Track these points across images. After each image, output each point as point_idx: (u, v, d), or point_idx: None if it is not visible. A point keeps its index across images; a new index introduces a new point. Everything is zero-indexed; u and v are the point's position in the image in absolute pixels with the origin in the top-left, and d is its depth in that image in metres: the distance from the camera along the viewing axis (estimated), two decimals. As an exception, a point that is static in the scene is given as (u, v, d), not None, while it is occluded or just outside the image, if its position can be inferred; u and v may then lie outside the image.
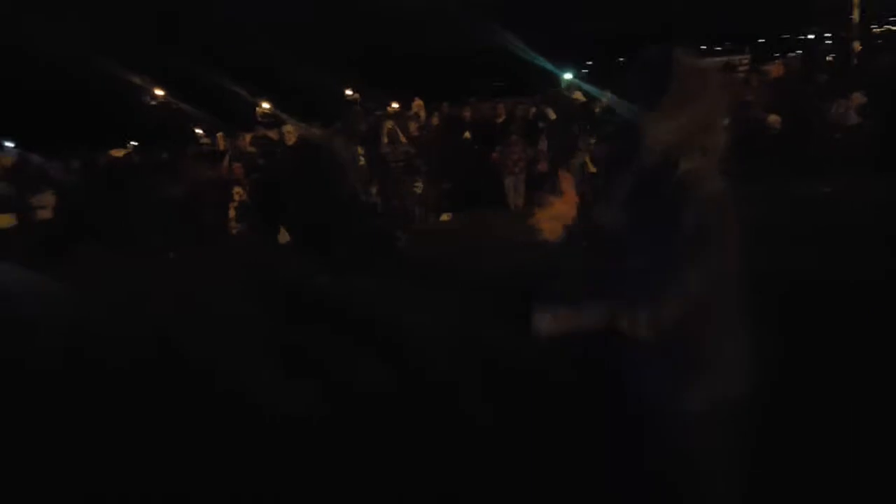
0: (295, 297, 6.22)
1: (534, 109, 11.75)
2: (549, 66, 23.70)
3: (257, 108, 19.38)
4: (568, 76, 24.56)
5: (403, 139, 9.64)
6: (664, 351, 1.90)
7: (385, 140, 9.62)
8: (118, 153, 12.77)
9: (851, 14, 27.10)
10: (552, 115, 10.23)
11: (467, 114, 11.71)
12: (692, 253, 1.79)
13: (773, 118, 9.54)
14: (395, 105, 16.78)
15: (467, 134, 10.84)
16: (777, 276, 5.33)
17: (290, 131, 9.53)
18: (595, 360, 2.08)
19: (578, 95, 11.72)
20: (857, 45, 21.33)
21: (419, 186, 9.68)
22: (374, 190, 9.20)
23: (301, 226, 7.93)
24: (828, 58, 14.69)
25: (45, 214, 9.75)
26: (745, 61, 17.55)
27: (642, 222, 1.93)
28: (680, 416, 1.91)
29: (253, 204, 9.24)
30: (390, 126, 9.85)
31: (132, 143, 20.73)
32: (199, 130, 21.25)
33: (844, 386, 3.57)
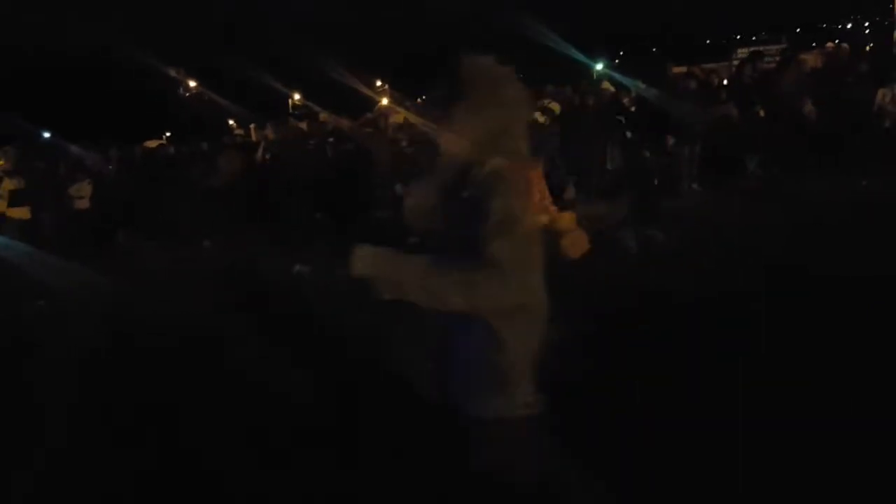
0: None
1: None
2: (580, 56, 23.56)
3: (290, 100, 19.57)
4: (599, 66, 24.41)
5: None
6: (470, 357, 1.93)
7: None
8: (152, 144, 12.93)
9: (892, 3, 26.47)
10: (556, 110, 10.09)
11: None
12: (498, 246, 1.80)
13: (809, 108, 9.36)
14: (424, 98, 16.76)
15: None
16: (795, 271, 5.36)
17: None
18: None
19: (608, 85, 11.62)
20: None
21: None
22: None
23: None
24: (867, 47, 14.39)
25: (83, 205, 9.93)
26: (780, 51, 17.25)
27: (453, 223, 1.96)
28: (487, 422, 1.93)
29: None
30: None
31: (166, 133, 21.04)
32: (231, 122, 21.50)
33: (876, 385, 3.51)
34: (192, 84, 33.45)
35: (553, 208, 4.37)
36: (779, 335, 4.23)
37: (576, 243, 4.38)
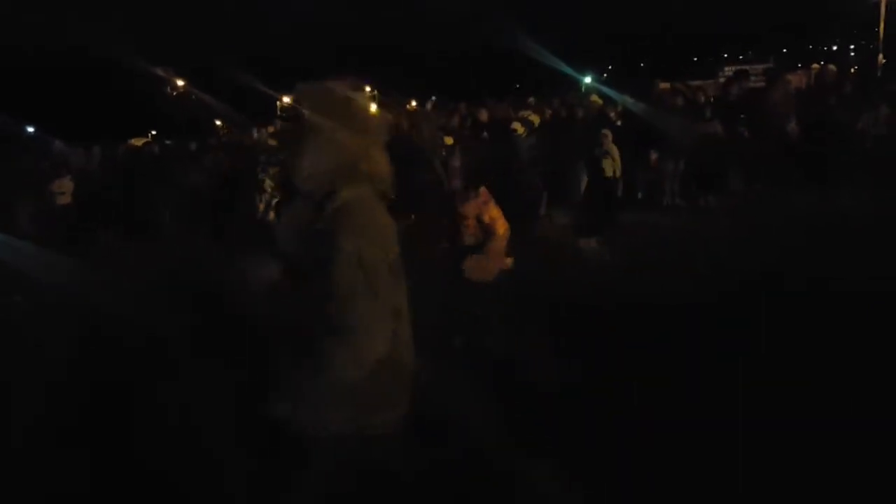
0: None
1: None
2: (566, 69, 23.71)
3: (278, 102, 19.52)
4: (587, 80, 24.59)
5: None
6: (310, 371, 1.91)
7: None
8: (138, 142, 12.85)
9: (877, 27, 26.98)
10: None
11: (485, 115, 11.69)
12: (344, 277, 1.80)
13: (793, 127, 9.47)
14: (413, 103, 16.82)
15: (486, 134, 10.81)
16: (765, 285, 5.45)
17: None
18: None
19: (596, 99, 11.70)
20: (881, 58, 21.23)
21: None
22: None
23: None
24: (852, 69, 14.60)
25: (64, 200, 9.83)
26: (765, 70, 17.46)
27: (309, 249, 1.94)
28: (331, 439, 1.93)
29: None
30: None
31: (152, 132, 20.90)
32: (218, 122, 21.41)
33: (846, 390, 3.55)
34: (180, 83, 33.32)
35: (500, 224, 4.37)
36: (736, 346, 4.30)
37: (477, 267, 4.42)
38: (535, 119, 9.82)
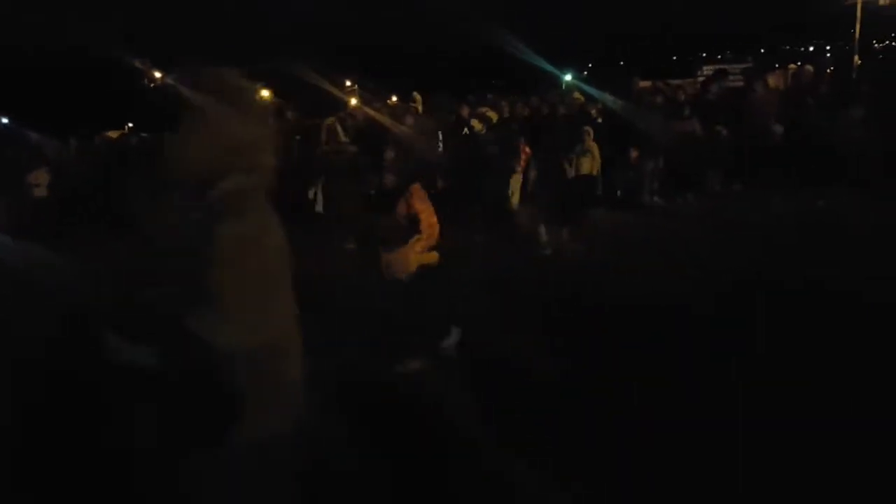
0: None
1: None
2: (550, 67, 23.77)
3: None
4: (568, 77, 24.67)
5: (343, 138, 9.46)
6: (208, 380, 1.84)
7: (323, 139, 9.44)
8: (114, 134, 12.69)
9: (853, 29, 27.33)
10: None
11: (466, 111, 11.68)
12: (223, 276, 1.73)
13: (777, 128, 9.57)
14: (394, 98, 16.76)
15: (466, 131, 10.80)
16: (748, 283, 5.56)
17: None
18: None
19: (578, 96, 11.74)
20: (857, 59, 21.46)
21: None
22: (312, 192, 9.04)
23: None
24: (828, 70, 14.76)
25: (41, 192, 9.70)
26: (744, 70, 17.62)
27: (183, 241, 1.87)
28: (228, 448, 1.85)
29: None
30: (331, 122, 9.70)
31: (129, 124, 20.64)
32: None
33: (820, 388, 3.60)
34: (158, 75, 32.92)
35: (424, 220, 4.39)
36: (712, 344, 4.37)
37: (394, 264, 4.45)
38: (493, 116, 9.83)
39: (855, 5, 27.09)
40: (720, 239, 7.41)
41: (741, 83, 12.01)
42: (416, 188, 4.55)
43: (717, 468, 3.04)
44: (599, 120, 10.53)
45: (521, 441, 3.33)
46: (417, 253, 4.43)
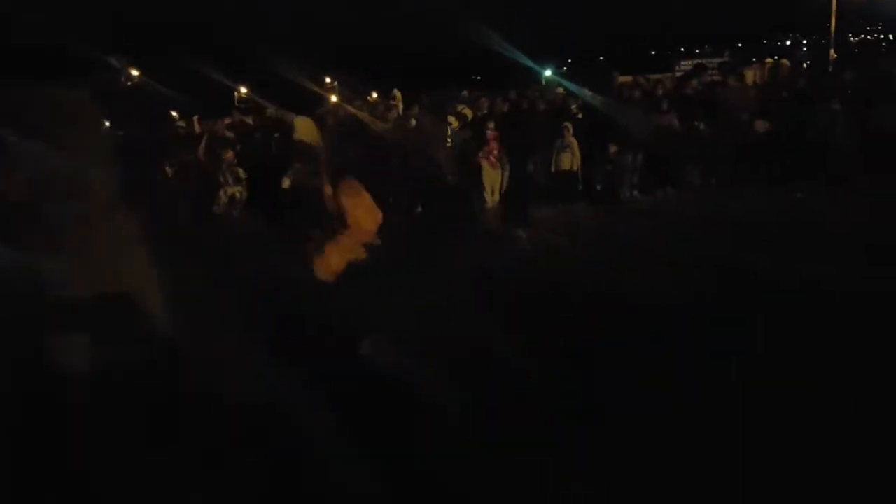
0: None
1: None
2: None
3: (235, 93, 19.23)
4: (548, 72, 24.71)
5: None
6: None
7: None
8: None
9: (828, 23, 27.59)
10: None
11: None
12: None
13: (760, 123, 9.63)
14: (374, 95, 16.69)
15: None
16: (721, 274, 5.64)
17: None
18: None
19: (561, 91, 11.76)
20: (832, 53, 21.72)
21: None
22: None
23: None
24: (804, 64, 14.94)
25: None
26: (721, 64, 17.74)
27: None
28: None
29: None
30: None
31: (105, 123, 20.34)
32: (174, 113, 20.94)
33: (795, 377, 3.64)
34: (134, 73, 32.55)
35: (353, 216, 4.37)
36: (688, 337, 4.39)
37: (323, 259, 4.43)
38: (468, 113, 9.83)
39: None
40: (699, 233, 7.48)
41: (719, 78, 12.09)
42: (347, 184, 4.50)
43: (678, 460, 3.07)
44: (580, 115, 10.56)
45: (506, 438, 3.34)
46: (342, 250, 4.39)
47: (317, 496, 3.09)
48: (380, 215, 4.42)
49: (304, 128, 9.47)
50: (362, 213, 4.38)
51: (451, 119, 9.50)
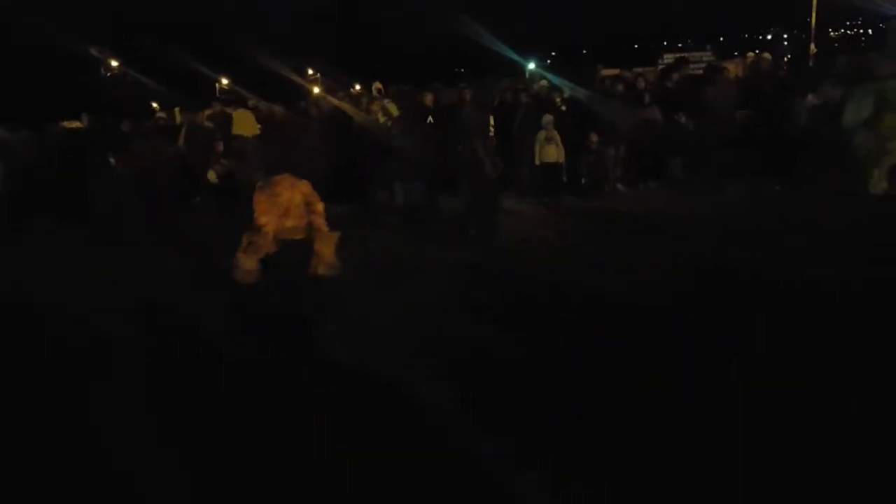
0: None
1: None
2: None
3: (217, 85, 19.09)
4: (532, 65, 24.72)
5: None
6: None
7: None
8: (71, 125, 12.35)
9: (808, 17, 27.84)
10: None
11: (429, 99, 11.63)
12: None
13: (742, 114, 9.67)
14: (357, 87, 16.63)
15: (430, 119, 10.75)
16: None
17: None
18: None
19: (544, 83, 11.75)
20: (812, 47, 21.91)
21: None
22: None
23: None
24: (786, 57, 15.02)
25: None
26: (705, 58, 17.83)
27: None
28: None
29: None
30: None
31: (86, 115, 20.12)
32: (155, 104, 20.79)
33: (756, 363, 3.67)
34: (115, 64, 32.19)
35: (264, 219, 4.38)
36: (669, 329, 4.45)
37: (239, 263, 4.43)
38: (393, 109, 9.80)
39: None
40: (682, 226, 7.55)
41: (700, 71, 12.13)
42: (260, 185, 4.49)
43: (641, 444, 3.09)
44: (563, 108, 10.56)
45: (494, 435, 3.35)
46: (244, 252, 4.38)
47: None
48: (289, 220, 4.39)
49: (243, 122, 9.48)
50: (263, 216, 4.36)
51: (379, 115, 9.51)
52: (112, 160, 9.77)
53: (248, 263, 4.32)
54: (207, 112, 10.81)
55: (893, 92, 6.84)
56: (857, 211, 7.22)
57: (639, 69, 14.12)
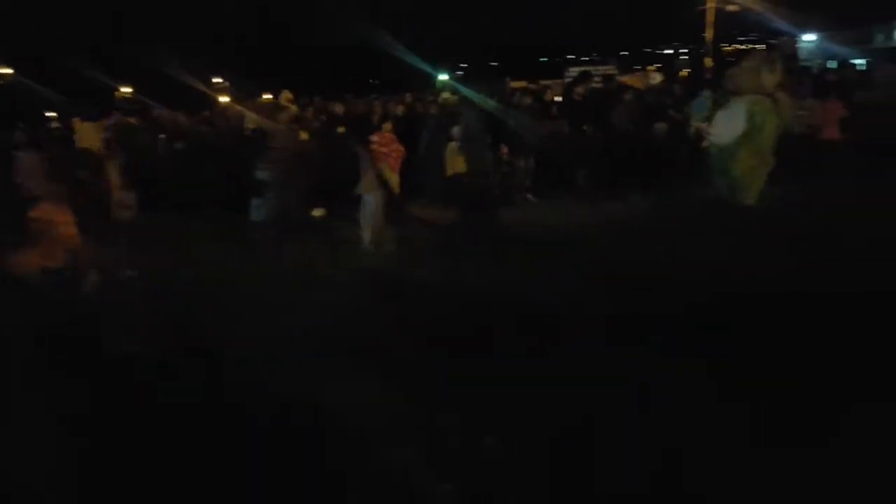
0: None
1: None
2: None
3: (116, 93, 18.37)
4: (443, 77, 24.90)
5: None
6: None
7: None
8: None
9: (704, 32, 29.22)
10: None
11: (340, 109, 11.57)
12: None
13: (661, 126, 9.99)
14: (267, 96, 16.33)
15: (342, 129, 10.67)
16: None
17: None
18: None
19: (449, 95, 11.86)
20: (708, 61, 22.96)
21: None
22: None
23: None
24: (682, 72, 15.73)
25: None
26: (609, 72, 18.43)
27: None
28: None
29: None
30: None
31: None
32: (50, 113, 19.79)
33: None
34: (6, 71, 30.58)
35: (46, 223, 4.50)
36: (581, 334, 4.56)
37: (21, 262, 4.56)
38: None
39: (706, 10, 29.14)
40: (592, 234, 7.79)
41: (601, 84, 12.53)
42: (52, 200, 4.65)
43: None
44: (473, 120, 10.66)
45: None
46: (42, 254, 4.54)
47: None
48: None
49: (87, 135, 9.27)
50: (57, 220, 4.52)
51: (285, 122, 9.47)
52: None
53: (35, 262, 4.42)
54: (105, 122, 10.43)
55: (761, 107, 6.94)
56: (740, 215, 7.53)
57: (546, 82, 14.46)
